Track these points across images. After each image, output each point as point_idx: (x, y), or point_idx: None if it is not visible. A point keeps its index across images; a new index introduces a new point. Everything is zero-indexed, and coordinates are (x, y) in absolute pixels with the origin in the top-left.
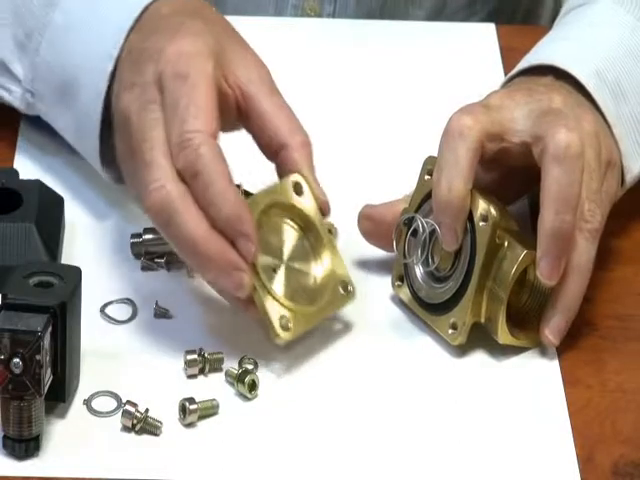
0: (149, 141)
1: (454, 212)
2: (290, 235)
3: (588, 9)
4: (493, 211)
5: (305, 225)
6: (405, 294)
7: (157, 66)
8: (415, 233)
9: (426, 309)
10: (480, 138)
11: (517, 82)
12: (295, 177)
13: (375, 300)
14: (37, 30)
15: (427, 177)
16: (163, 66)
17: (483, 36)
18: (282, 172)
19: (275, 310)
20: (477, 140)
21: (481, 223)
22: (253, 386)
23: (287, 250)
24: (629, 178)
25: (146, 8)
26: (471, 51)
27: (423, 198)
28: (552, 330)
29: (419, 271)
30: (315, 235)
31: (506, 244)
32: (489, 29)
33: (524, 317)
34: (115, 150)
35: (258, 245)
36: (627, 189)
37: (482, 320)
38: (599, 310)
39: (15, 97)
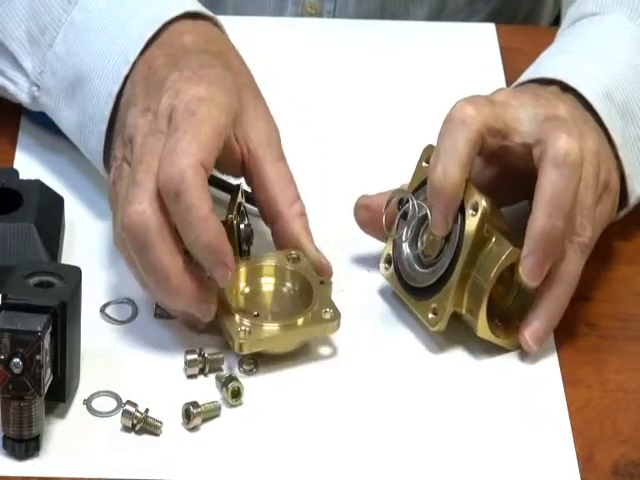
0: (145, 165)
1: (447, 197)
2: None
3: (599, 22)
4: (484, 202)
5: (293, 279)
6: (391, 276)
7: (173, 101)
8: (405, 215)
9: (410, 292)
10: (481, 130)
11: (523, 87)
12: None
13: (371, 298)
14: (52, 26)
15: (425, 164)
16: (177, 103)
17: (483, 36)
18: (279, 242)
19: (235, 322)
20: (477, 131)
21: (471, 212)
22: (236, 394)
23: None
24: (634, 199)
25: (167, 24)
26: (471, 51)
27: (419, 184)
28: (531, 334)
29: (406, 252)
30: (302, 285)
31: (494, 239)
32: (489, 29)
33: (508, 319)
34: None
35: (234, 271)
36: (630, 210)
37: (463, 311)
38: (599, 310)
39: (21, 89)
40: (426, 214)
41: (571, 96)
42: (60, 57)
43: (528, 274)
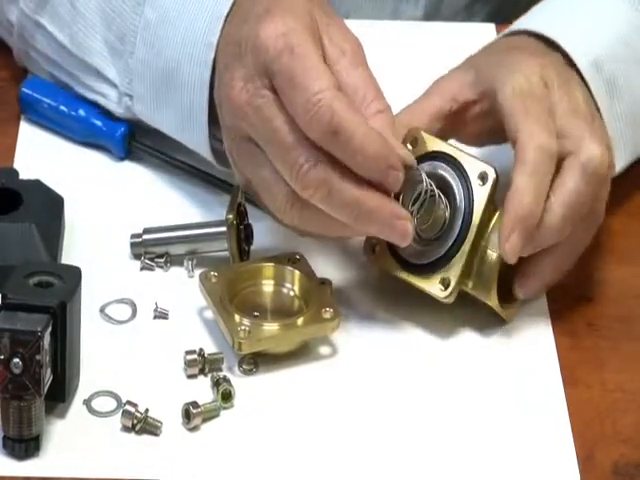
0: (282, 127)
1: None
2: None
3: None
4: (493, 172)
5: (293, 279)
6: (383, 260)
7: (256, 54)
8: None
9: (411, 270)
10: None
11: (522, 45)
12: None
13: (371, 298)
14: (130, 32)
15: (409, 147)
16: (263, 53)
17: (483, 36)
18: None
19: (235, 321)
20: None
21: (479, 182)
22: (227, 396)
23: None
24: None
25: None
26: (471, 51)
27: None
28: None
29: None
30: (302, 285)
31: (499, 212)
32: (489, 29)
33: (506, 290)
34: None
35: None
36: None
37: (469, 284)
38: (599, 310)
39: (111, 100)
40: (420, 192)
41: (559, 55)
42: (144, 61)
43: (510, 254)
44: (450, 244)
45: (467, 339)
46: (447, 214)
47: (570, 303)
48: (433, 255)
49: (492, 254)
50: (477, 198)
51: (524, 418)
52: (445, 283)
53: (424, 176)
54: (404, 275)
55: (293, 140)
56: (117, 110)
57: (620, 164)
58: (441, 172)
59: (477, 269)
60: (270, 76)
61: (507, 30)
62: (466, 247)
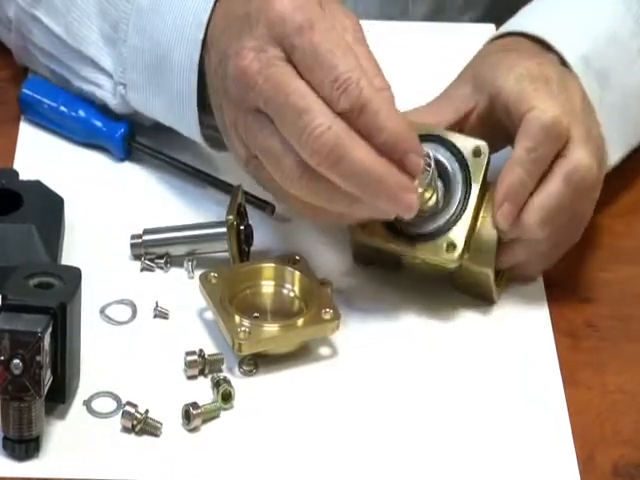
0: (296, 91)
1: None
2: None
3: None
4: (486, 146)
5: (293, 280)
6: (376, 235)
7: (270, 26)
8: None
9: (411, 241)
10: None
11: (517, 46)
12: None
13: (371, 298)
14: (122, 20)
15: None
16: (279, 25)
17: (483, 37)
18: None
19: (235, 322)
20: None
21: (474, 157)
22: (227, 397)
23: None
24: (607, 167)
25: None
26: (471, 52)
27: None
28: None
29: None
30: (302, 286)
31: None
32: (489, 30)
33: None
34: (214, 118)
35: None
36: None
37: (467, 255)
38: (599, 311)
39: (106, 91)
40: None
41: (554, 56)
42: (137, 48)
43: (502, 223)
44: (452, 211)
45: (467, 340)
46: (441, 194)
47: (570, 304)
48: (433, 223)
49: (490, 228)
50: (474, 170)
51: (524, 419)
52: (451, 247)
53: (431, 153)
54: (402, 248)
55: (306, 104)
56: (112, 101)
57: (615, 156)
58: (434, 153)
59: (475, 241)
60: (287, 49)
61: (498, 32)
62: (469, 214)
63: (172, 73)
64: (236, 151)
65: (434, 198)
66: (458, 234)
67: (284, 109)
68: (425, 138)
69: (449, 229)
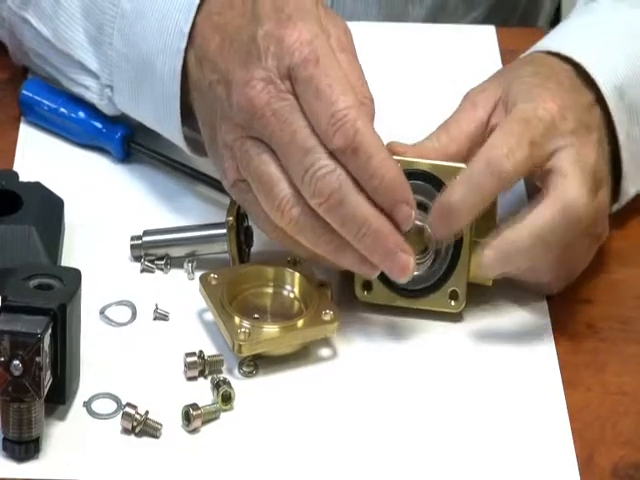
0: (305, 129)
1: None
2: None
3: (620, 10)
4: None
5: (293, 281)
6: (380, 295)
7: (280, 58)
8: None
9: (413, 296)
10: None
11: (547, 72)
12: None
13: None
14: (107, 23)
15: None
16: (287, 57)
17: (483, 38)
18: None
19: (235, 323)
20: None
21: None
22: (227, 398)
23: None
24: (625, 199)
25: None
26: (471, 53)
27: None
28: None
29: None
30: (302, 287)
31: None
32: (489, 31)
33: None
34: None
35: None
36: (621, 207)
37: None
38: (599, 312)
39: (94, 92)
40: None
41: (590, 95)
42: (121, 52)
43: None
44: (448, 262)
45: (467, 341)
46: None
47: (570, 305)
48: (433, 275)
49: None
50: None
51: (524, 420)
52: (454, 296)
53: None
54: (408, 303)
55: (313, 144)
56: (100, 103)
57: (632, 190)
58: (419, 197)
59: (474, 260)
60: (292, 81)
61: (544, 45)
62: (465, 257)
63: (155, 80)
64: (225, 170)
65: (428, 263)
66: (458, 282)
67: (289, 146)
68: (411, 175)
69: (448, 278)
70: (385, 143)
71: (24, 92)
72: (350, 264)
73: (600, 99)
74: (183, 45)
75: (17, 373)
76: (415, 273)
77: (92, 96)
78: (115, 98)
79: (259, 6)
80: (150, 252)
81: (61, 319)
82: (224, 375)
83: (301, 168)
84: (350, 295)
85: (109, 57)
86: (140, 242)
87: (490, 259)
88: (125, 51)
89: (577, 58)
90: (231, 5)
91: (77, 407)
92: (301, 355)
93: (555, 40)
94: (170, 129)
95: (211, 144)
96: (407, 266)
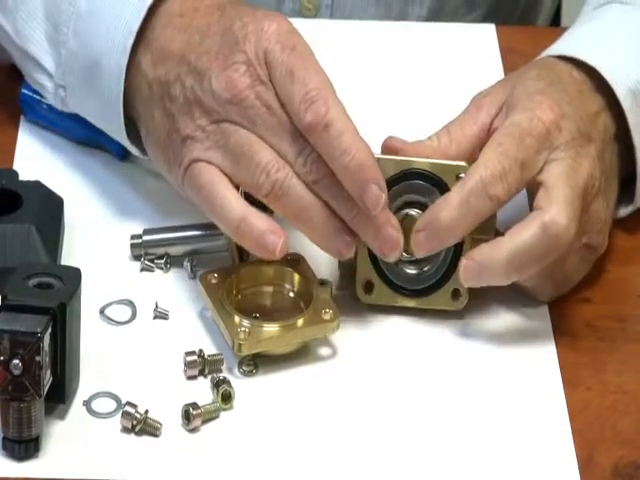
0: (283, 115)
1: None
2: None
3: (632, 12)
4: (468, 167)
5: (292, 280)
6: (382, 296)
7: (258, 43)
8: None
9: (415, 296)
10: None
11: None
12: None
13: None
14: (64, 22)
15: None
16: (266, 42)
17: (483, 37)
18: None
19: (235, 322)
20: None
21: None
22: (227, 397)
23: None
24: None
25: None
26: (471, 52)
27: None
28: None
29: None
30: (302, 286)
31: None
32: (489, 29)
33: None
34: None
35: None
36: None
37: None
38: (599, 311)
39: (48, 92)
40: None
41: (602, 102)
42: (74, 51)
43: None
44: (450, 258)
45: (467, 341)
46: None
47: (570, 304)
48: (434, 275)
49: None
50: None
51: (524, 419)
52: (456, 294)
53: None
54: (410, 303)
55: (293, 132)
56: (54, 102)
57: None
58: (419, 197)
59: None
60: (268, 66)
61: (556, 50)
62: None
63: (102, 78)
64: (182, 158)
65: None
66: (460, 280)
67: (274, 129)
68: (409, 174)
69: (450, 277)
70: (384, 140)
71: (24, 91)
72: (325, 237)
73: (611, 104)
74: (130, 42)
75: (17, 372)
76: (415, 272)
77: (47, 95)
78: (68, 99)
79: (228, 11)
80: (150, 251)
81: (61, 318)
82: (224, 374)
83: (294, 150)
84: (350, 294)
85: (62, 57)
86: (140, 241)
87: (465, 271)
88: (77, 51)
89: (591, 62)
90: (195, 8)
91: (77, 406)
92: (301, 354)
93: (568, 44)
94: (116, 129)
95: (166, 138)
96: (397, 243)
